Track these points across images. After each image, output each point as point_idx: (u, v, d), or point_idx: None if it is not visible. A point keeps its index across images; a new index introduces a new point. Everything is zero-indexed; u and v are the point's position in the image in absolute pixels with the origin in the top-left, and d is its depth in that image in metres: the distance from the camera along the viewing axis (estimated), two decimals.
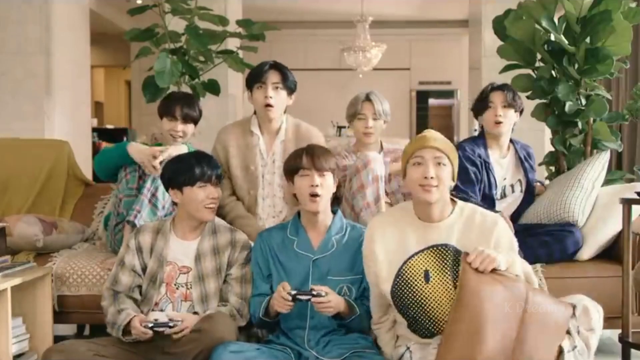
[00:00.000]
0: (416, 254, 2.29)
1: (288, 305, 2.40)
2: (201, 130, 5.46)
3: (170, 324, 2.44)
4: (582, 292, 2.84)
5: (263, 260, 2.60)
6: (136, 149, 3.02)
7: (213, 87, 4.20)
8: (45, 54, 5.25)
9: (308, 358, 2.46)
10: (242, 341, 2.50)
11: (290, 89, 3.10)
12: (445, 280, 2.25)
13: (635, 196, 2.74)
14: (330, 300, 2.41)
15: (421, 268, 2.27)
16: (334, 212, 2.66)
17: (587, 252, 3.01)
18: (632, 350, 2.74)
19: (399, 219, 2.37)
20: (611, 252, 3.03)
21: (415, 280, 2.27)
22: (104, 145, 8.38)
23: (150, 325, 2.44)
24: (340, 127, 9.29)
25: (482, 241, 2.24)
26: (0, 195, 3.50)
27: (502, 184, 3.30)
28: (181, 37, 4.09)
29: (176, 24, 4.09)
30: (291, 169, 2.62)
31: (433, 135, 2.34)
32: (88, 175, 3.99)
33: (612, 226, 3.01)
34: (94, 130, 7.78)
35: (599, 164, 3.22)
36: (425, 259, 2.28)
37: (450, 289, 2.23)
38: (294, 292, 2.38)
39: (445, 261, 2.26)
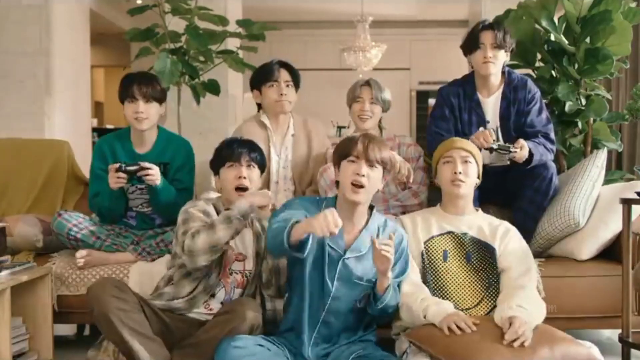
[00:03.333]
0: (436, 235, 2.60)
1: (334, 223, 2.14)
2: (202, 131, 5.52)
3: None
4: (582, 292, 2.89)
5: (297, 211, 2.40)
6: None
7: (213, 87, 4.20)
8: (45, 54, 5.25)
9: None
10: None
11: (298, 86, 3.29)
12: (461, 262, 2.54)
13: (635, 196, 2.74)
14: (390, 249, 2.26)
15: (440, 248, 2.57)
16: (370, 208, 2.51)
17: (587, 252, 3.00)
18: (632, 350, 2.74)
19: (426, 212, 2.72)
20: (611, 252, 3.02)
21: (436, 258, 2.56)
22: None
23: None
24: (340, 127, 9.27)
25: (493, 239, 2.58)
26: (0, 195, 3.50)
27: (489, 125, 3.19)
28: (181, 37, 4.09)
29: (176, 24, 4.10)
30: (342, 153, 2.45)
31: (460, 139, 2.72)
32: (88, 175, 3.99)
33: (613, 226, 2.98)
34: (94, 130, 7.77)
35: (598, 162, 3.17)
36: (444, 241, 2.59)
37: (466, 270, 2.53)
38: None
39: (462, 246, 2.57)
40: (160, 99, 3.09)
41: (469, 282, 2.51)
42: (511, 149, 2.93)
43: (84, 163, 5.30)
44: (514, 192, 3.13)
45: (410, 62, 10.53)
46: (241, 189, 2.62)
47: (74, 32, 5.78)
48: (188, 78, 4.12)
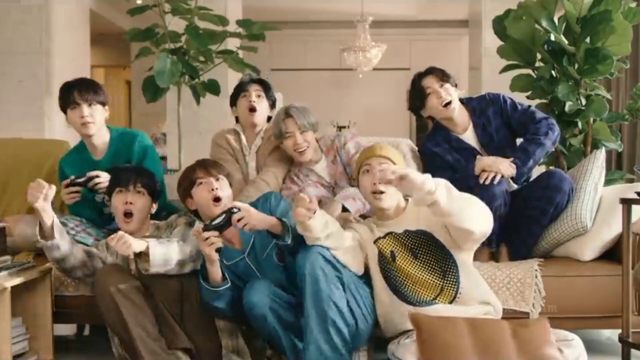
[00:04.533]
0: (380, 238, 2.58)
1: (212, 242, 2.37)
2: (201, 131, 5.53)
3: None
4: (582, 292, 2.88)
5: None
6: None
7: (213, 87, 4.21)
8: (45, 54, 5.26)
9: None
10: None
11: (272, 101, 3.30)
12: (409, 260, 2.53)
13: (635, 196, 2.74)
14: (250, 213, 2.40)
15: (387, 249, 2.56)
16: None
17: (590, 253, 2.98)
18: (632, 350, 2.74)
19: (369, 222, 2.68)
20: (611, 252, 3.02)
21: (386, 258, 2.56)
22: None
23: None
24: (340, 127, 9.29)
25: (426, 222, 2.52)
26: (0, 195, 3.50)
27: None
28: (181, 37, 4.10)
29: (176, 24, 4.10)
30: (187, 183, 2.67)
31: (380, 145, 2.67)
32: None
33: (615, 228, 2.96)
34: None
35: (598, 163, 3.14)
36: (388, 242, 2.57)
37: (416, 266, 2.52)
38: (202, 226, 2.36)
39: (404, 244, 2.55)
40: (104, 101, 3.06)
41: (423, 277, 2.50)
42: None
43: None
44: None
45: (410, 62, 10.52)
46: (126, 214, 2.71)
47: (74, 32, 5.79)
48: (188, 78, 4.12)
